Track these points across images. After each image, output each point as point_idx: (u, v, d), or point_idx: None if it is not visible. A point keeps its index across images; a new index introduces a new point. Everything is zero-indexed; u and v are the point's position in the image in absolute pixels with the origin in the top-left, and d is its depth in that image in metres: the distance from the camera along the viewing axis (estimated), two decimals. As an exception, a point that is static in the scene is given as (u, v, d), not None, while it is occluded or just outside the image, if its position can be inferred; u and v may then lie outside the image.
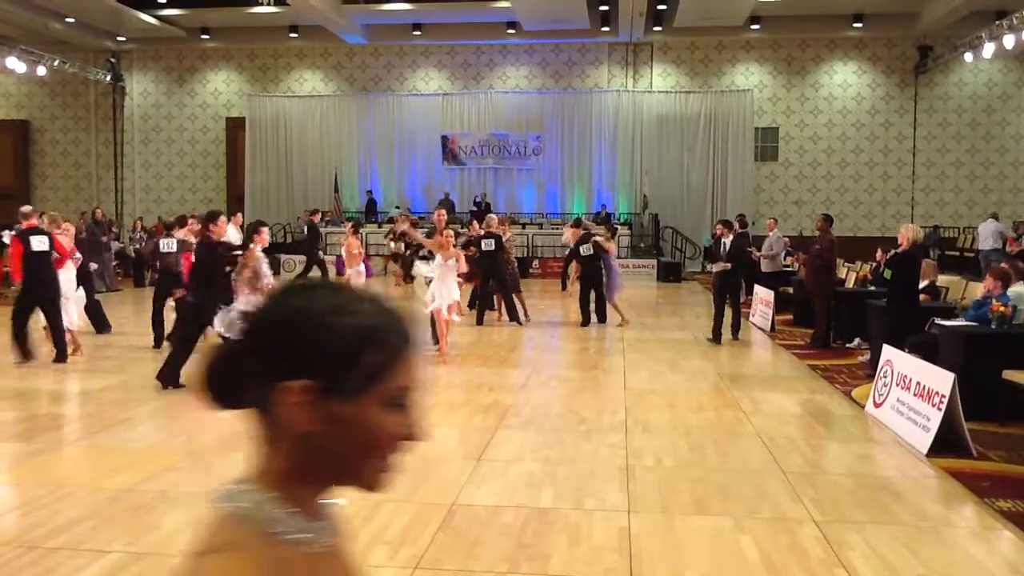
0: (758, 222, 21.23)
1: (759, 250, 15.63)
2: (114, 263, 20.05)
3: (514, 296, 13.85)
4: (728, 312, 12.35)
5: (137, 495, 5.39)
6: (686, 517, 5.09)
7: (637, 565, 4.37)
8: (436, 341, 10.48)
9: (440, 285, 10.32)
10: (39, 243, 9.77)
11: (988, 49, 20.34)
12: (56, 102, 28.41)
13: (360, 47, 26.85)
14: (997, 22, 20.10)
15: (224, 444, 6.68)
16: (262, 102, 27.29)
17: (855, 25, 24.37)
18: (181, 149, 28.13)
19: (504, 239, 13.78)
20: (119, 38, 26.60)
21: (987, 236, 18.51)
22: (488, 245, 13.47)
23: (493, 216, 14.86)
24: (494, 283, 13.76)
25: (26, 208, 10.28)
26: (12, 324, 9.75)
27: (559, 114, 26.21)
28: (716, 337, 12.09)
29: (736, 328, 12.47)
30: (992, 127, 25.24)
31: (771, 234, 15.97)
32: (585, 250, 13.56)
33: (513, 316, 13.72)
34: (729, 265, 12.03)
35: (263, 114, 27.18)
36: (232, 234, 13.51)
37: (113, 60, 27.03)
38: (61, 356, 9.88)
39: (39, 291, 9.74)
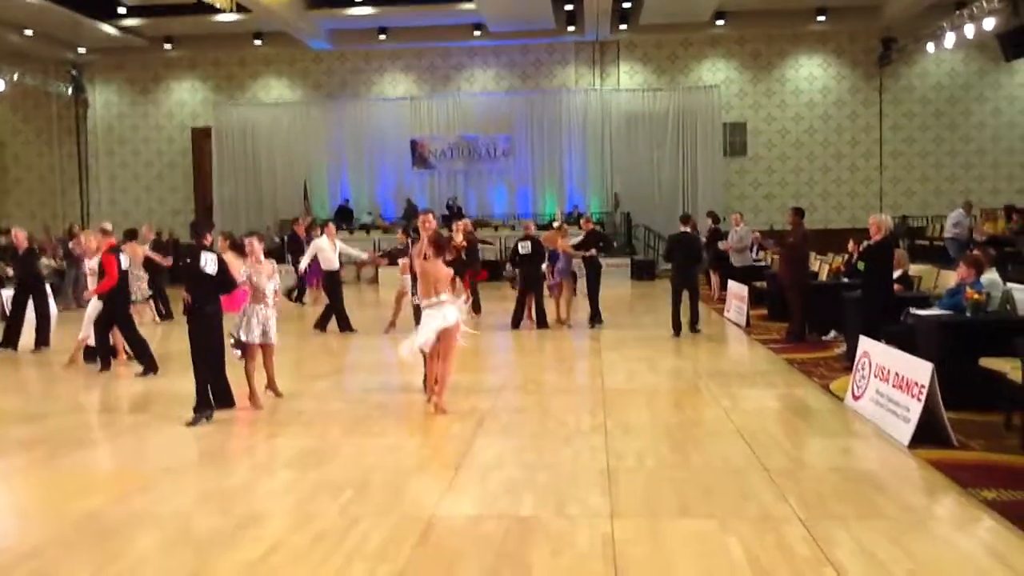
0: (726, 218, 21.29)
1: (724, 242, 15.77)
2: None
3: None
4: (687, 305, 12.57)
5: (106, 518, 5.22)
6: (670, 520, 5.01)
7: (623, 573, 4.27)
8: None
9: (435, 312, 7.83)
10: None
11: (949, 39, 20.51)
12: (17, 116, 27.92)
13: (326, 53, 26.63)
14: (957, 12, 20.28)
15: (197, 461, 6.53)
16: (228, 111, 26.99)
17: (819, 19, 24.48)
18: (147, 160, 27.74)
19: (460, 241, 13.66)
20: (80, 49, 26.16)
21: (949, 224, 18.70)
22: (525, 249, 13.37)
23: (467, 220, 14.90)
24: (528, 288, 13.52)
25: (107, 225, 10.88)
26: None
27: (528, 115, 26.13)
28: (676, 329, 12.41)
29: (694, 321, 12.64)
30: (956, 116, 25.48)
31: (737, 228, 16.00)
32: (523, 248, 13.39)
33: (542, 321, 13.48)
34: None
35: (230, 123, 26.88)
36: (325, 245, 13.42)
37: (74, 72, 26.61)
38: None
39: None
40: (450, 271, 7.90)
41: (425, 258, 7.83)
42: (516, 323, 13.53)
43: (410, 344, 7.76)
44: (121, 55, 26.71)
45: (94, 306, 10.29)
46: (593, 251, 13.54)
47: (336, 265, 13.64)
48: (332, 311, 13.53)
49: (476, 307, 15.04)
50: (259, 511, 5.30)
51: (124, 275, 10.24)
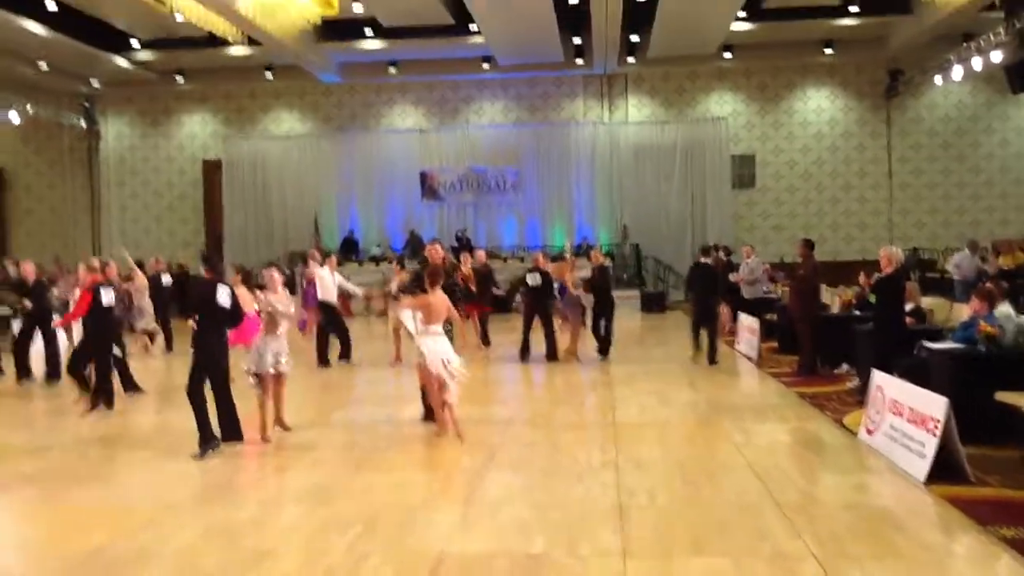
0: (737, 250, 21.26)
1: (736, 274, 15.80)
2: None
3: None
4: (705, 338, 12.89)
5: (112, 555, 5.17)
6: (684, 558, 4.93)
7: (635, 613, 4.20)
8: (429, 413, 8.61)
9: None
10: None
11: (957, 72, 20.55)
12: (30, 147, 28.16)
13: (336, 86, 26.85)
14: (964, 44, 20.34)
15: (204, 497, 6.48)
16: (239, 143, 27.19)
17: (826, 51, 24.62)
18: (158, 192, 27.92)
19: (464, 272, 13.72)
20: (93, 82, 26.45)
21: (957, 264, 18.46)
22: (534, 280, 13.37)
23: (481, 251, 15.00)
24: (539, 320, 13.42)
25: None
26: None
27: (536, 147, 26.24)
28: (696, 346, 13.04)
29: (711, 353, 12.85)
30: (964, 148, 25.49)
31: (749, 260, 15.95)
32: (532, 280, 13.45)
33: (552, 354, 13.33)
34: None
35: (240, 155, 27.06)
36: (325, 275, 13.38)
37: (87, 104, 26.89)
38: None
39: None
40: (444, 301, 8.10)
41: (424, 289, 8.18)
42: (524, 355, 13.47)
43: (435, 364, 7.92)
44: (133, 88, 26.98)
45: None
46: (580, 291, 13.58)
47: (333, 297, 13.57)
48: (324, 340, 13.38)
49: (485, 340, 15.08)
50: (267, 547, 5.24)
51: (105, 311, 10.02)
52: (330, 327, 13.47)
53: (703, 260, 13.52)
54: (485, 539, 5.34)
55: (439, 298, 8.09)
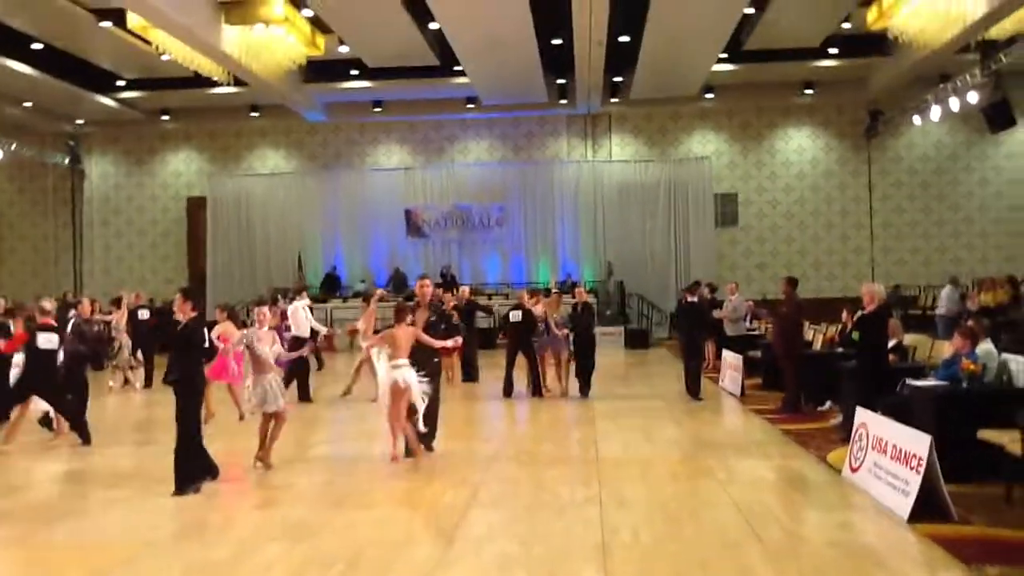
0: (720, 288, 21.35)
1: (720, 311, 15.88)
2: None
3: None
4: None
5: (86, 596, 5.07)
6: (667, 596, 4.88)
7: (618, 652, 4.14)
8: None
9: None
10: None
11: (935, 112, 20.88)
12: (14, 186, 28.09)
13: (321, 124, 26.98)
14: (941, 85, 20.70)
15: (183, 534, 6.38)
16: (223, 181, 27.20)
17: (806, 91, 24.98)
18: (141, 230, 27.84)
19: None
20: (78, 121, 26.49)
21: (942, 301, 18.65)
22: (516, 317, 13.40)
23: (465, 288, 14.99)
24: (523, 356, 13.45)
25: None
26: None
27: (521, 185, 26.38)
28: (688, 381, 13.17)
29: (695, 390, 13.00)
30: (944, 187, 25.80)
31: (733, 298, 16.03)
32: (514, 317, 13.50)
33: (537, 391, 13.40)
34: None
35: (225, 193, 27.07)
36: (299, 311, 13.32)
37: (72, 143, 26.86)
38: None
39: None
40: (408, 334, 8.50)
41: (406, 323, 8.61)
42: (507, 391, 13.43)
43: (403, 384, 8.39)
44: (118, 127, 27.03)
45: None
46: (565, 331, 13.48)
47: (306, 332, 13.51)
48: (301, 376, 13.16)
49: (473, 374, 15.00)
50: (245, 588, 5.15)
51: (43, 354, 9.70)
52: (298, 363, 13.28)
53: (689, 298, 13.66)
54: (468, 575, 5.28)
55: (404, 332, 8.49)
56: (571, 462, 8.76)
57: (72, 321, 11.56)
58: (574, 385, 13.48)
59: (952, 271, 21.76)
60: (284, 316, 14.34)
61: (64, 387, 10.24)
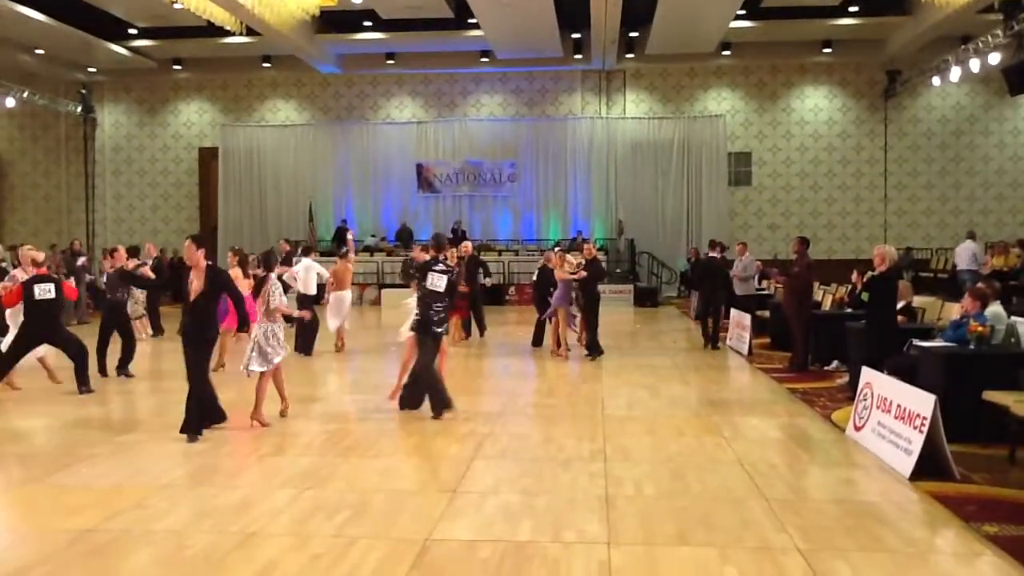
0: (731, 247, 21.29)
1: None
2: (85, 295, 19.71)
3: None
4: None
5: (99, 535, 5.17)
6: (668, 548, 4.95)
7: (619, 600, 4.21)
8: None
9: None
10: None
11: (955, 73, 20.60)
12: (26, 135, 28.12)
13: (334, 76, 26.82)
14: (963, 47, 20.39)
15: (194, 479, 6.49)
16: (235, 132, 27.16)
17: (824, 51, 24.66)
18: (153, 180, 27.88)
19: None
20: (90, 69, 26.40)
21: (964, 256, 18.53)
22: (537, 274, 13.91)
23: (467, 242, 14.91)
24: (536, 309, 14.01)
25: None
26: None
27: (533, 141, 26.25)
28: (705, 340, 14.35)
29: (715, 339, 14.26)
30: (961, 149, 25.54)
31: (742, 258, 15.98)
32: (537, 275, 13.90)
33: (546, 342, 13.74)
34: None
35: (236, 144, 27.04)
36: (305, 268, 13.27)
37: (84, 92, 26.82)
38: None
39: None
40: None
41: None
42: (536, 342, 14.00)
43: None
44: (130, 76, 26.95)
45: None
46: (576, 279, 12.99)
47: (313, 289, 13.48)
48: (310, 331, 13.18)
49: (479, 329, 15.06)
50: (255, 530, 5.25)
51: (40, 305, 9.66)
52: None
53: (711, 254, 14.58)
54: (472, 525, 5.36)
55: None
56: (577, 417, 8.82)
57: (109, 272, 11.69)
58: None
59: (967, 234, 21.60)
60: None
61: (116, 335, 11.04)
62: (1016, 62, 18.84)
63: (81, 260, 19.04)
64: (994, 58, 18.98)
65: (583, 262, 12.99)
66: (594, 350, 12.80)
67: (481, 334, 15.32)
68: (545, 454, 7.20)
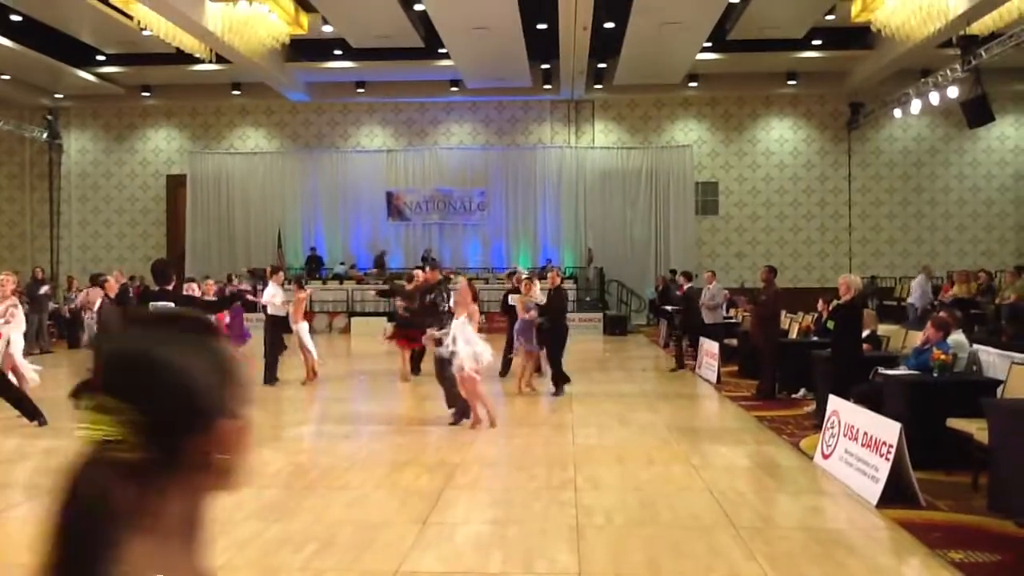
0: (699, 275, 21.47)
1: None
2: (48, 323, 19.44)
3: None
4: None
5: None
6: (638, 578, 4.95)
7: (589, 631, 4.21)
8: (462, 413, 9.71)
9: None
10: None
11: (915, 106, 21.05)
12: (-10, 160, 27.79)
13: (304, 104, 26.83)
14: (922, 80, 20.87)
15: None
16: (204, 159, 27.02)
17: (789, 83, 25.10)
18: (120, 207, 27.61)
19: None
20: (56, 95, 26.18)
21: (915, 291, 19.00)
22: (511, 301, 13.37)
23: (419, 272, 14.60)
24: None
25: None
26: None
27: (503, 170, 26.39)
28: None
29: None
30: (922, 180, 26.03)
31: (710, 286, 16.12)
32: (511, 300, 13.25)
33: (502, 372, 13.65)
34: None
35: (205, 171, 26.89)
36: (276, 291, 13.15)
37: (50, 118, 26.57)
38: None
39: None
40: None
41: None
42: (503, 372, 13.58)
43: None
44: (98, 102, 26.74)
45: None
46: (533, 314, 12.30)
47: (282, 312, 13.32)
48: (273, 357, 12.97)
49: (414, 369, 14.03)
50: (221, 563, 5.16)
51: None
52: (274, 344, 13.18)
53: (686, 285, 15.79)
54: (442, 557, 5.32)
55: None
56: (547, 446, 8.82)
57: (101, 301, 11.56)
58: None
59: (928, 264, 22.02)
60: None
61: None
62: (974, 96, 19.30)
63: (44, 288, 18.76)
64: (952, 91, 19.43)
65: (549, 290, 12.78)
66: (558, 386, 12.22)
67: None
68: (515, 484, 7.18)
